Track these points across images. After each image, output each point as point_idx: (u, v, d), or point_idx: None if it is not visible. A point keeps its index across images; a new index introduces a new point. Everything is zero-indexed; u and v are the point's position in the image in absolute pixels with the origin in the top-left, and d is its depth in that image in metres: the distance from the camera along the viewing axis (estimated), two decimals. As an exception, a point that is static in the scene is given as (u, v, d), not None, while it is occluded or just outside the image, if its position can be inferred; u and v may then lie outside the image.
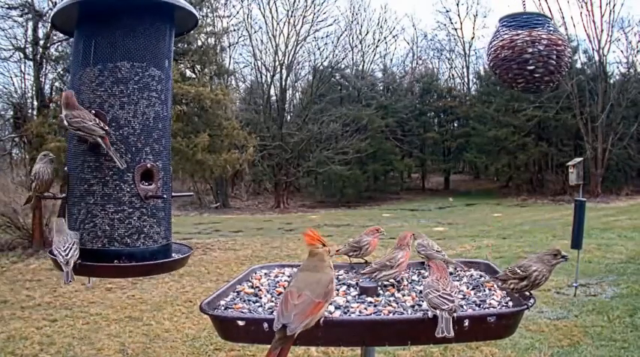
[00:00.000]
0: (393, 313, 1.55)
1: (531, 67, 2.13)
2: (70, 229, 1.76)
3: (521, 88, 2.24)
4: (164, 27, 1.86)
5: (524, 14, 2.21)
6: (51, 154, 1.91)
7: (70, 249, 1.65)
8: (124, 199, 1.75)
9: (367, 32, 27.49)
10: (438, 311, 1.36)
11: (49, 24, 9.43)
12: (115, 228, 1.74)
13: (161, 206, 1.85)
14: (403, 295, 1.73)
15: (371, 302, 1.65)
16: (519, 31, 2.14)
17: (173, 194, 2.00)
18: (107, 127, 1.69)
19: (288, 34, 23.32)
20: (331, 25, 30.48)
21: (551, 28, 2.17)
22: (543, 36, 2.12)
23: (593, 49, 22.07)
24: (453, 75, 31.55)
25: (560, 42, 2.15)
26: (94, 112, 1.73)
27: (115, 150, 1.71)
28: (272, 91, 24.35)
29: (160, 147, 1.84)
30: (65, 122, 1.69)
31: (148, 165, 1.79)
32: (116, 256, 1.74)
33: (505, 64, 2.18)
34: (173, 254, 1.92)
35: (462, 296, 1.69)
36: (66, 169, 1.84)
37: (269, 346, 1.26)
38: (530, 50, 2.11)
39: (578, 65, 22.54)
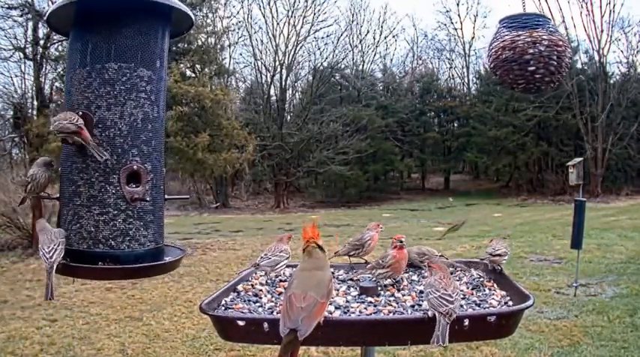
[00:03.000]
0: (393, 313, 1.55)
1: (532, 68, 2.12)
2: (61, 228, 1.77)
3: (522, 89, 2.24)
4: (157, 27, 1.85)
5: (525, 15, 2.20)
6: (53, 163, 1.93)
7: (55, 250, 1.65)
8: (109, 201, 1.74)
9: (367, 32, 27.55)
10: (436, 313, 1.36)
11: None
12: (100, 230, 1.74)
13: (149, 209, 1.83)
14: (403, 295, 1.73)
15: (371, 302, 1.65)
16: (520, 32, 2.14)
17: (167, 197, 1.99)
18: (81, 121, 1.69)
19: (288, 34, 23.35)
20: (331, 25, 30.60)
21: (551, 29, 2.17)
22: (544, 37, 2.11)
23: (593, 49, 22.11)
24: (453, 75, 31.61)
25: (560, 43, 2.14)
26: (81, 113, 1.73)
27: (97, 144, 1.71)
28: (272, 91, 24.37)
29: (149, 148, 1.82)
30: (52, 127, 1.72)
31: (135, 167, 1.77)
32: (101, 258, 1.74)
33: (506, 65, 2.17)
34: (166, 257, 1.91)
35: (462, 296, 1.69)
36: (59, 170, 1.85)
37: (269, 346, 1.26)
38: (531, 51, 2.10)
39: (579, 65, 22.53)
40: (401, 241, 1.81)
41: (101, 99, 1.75)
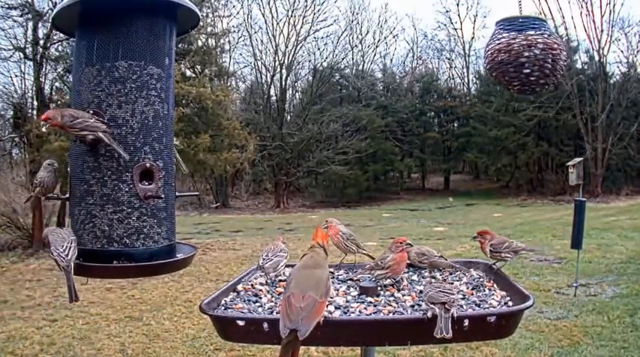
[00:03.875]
0: (393, 313, 1.55)
1: (527, 71, 2.14)
2: (72, 229, 1.77)
3: (517, 90, 2.26)
4: (164, 25, 1.86)
5: (521, 18, 2.22)
6: (55, 164, 1.94)
7: (69, 248, 1.64)
8: (122, 199, 1.74)
9: (367, 32, 27.58)
10: (436, 308, 1.36)
11: (50, 24, 9.43)
12: (114, 228, 1.74)
13: (162, 206, 1.83)
14: (403, 295, 1.73)
15: (371, 302, 1.65)
16: (516, 35, 2.15)
17: (177, 194, 1.99)
18: (106, 121, 1.71)
19: (288, 34, 23.35)
20: (331, 25, 30.56)
21: (547, 32, 2.18)
22: (539, 40, 2.13)
23: (593, 49, 22.11)
24: (452, 75, 31.62)
25: (555, 46, 2.15)
26: (92, 111, 1.73)
27: (107, 151, 1.72)
28: (272, 91, 24.37)
29: (160, 146, 1.82)
30: (67, 125, 1.69)
31: (147, 164, 1.78)
32: (115, 257, 1.74)
33: (502, 67, 2.19)
34: (178, 254, 1.91)
35: (461, 296, 1.69)
36: (68, 169, 1.85)
37: (269, 346, 1.26)
38: (526, 54, 2.12)
39: (578, 65, 22.56)
40: (408, 244, 1.82)
41: (112, 97, 1.75)
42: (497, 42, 2.20)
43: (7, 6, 10.69)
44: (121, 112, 1.75)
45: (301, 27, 23.44)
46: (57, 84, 12.21)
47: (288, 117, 25.39)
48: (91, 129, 1.67)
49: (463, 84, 30.81)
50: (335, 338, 1.45)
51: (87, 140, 1.70)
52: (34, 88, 11.93)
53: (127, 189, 1.75)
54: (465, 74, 30.18)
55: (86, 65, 1.78)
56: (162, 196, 1.81)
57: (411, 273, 2.01)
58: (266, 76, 24.25)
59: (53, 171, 1.90)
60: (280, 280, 1.92)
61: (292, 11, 23.23)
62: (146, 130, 1.79)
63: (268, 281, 1.92)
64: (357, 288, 1.79)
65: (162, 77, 1.83)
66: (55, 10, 1.82)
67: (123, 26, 1.76)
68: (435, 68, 31.21)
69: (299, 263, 1.44)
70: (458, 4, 29.29)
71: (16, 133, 12.76)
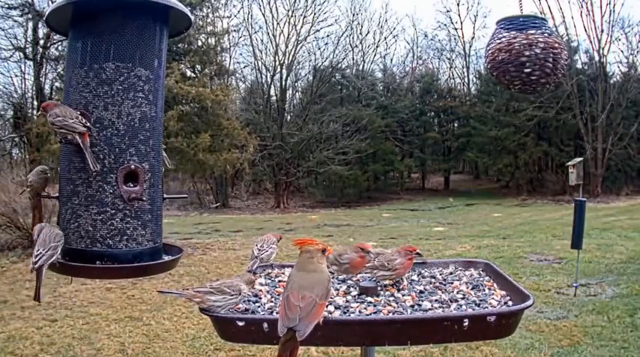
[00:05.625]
0: (393, 313, 1.56)
1: (528, 70, 2.13)
2: (60, 229, 1.78)
3: (517, 90, 2.25)
4: (154, 27, 1.86)
5: (522, 17, 2.21)
6: (48, 172, 1.98)
7: (41, 256, 1.65)
8: (106, 201, 1.75)
9: (368, 32, 27.56)
10: None
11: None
12: (98, 229, 1.75)
13: (147, 208, 1.83)
14: (403, 295, 1.73)
15: (371, 302, 1.66)
16: (516, 34, 2.15)
17: (165, 196, 2.00)
18: (89, 124, 1.71)
19: (289, 34, 23.34)
20: (332, 25, 30.58)
21: (547, 31, 2.18)
22: (540, 39, 2.12)
23: (593, 49, 22.12)
24: (453, 75, 31.60)
25: (556, 45, 2.15)
26: (79, 112, 1.74)
27: (93, 152, 1.72)
28: (272, 91, 24.34)
29: (146, 148, 1.83)
30: (50, 121, 1.72)
31: (132, 166, 1.78)
32: (99, 257, 1.75)
33: (502, 67, 2.18)
34: (164, 257, 1.92)
35: (461, 295, 1.69)
36: (58, 169, 1.86)
37: (269, 346, 1.26)
38: (527, 53, 2.12)
39: (579, 65, 22.55)
40: (417, 254, 1.83)
41: (99, 99, 1.76)
42: (498, 41, 2.20)
43: (7, 6, 10.70)
44: (107, 114, 1.76)
45: (302, 27, 23.45)
46: (57, 84, 12.24)
47: (288, 117, 25.37)
48: (68, 129, 1.68)
49: (463, 84, 30.83)
50: (335, 338, 1.45)
51: (68, 140, 1.71)
52: (34, 88, 11.97)
53: (111, 190, 1.76)
54: (465, 74, 30.20)
55: (76, 66, 1.80)
56: (146, 198, 1.81)
57: (411, 273, 2.02)
58: (266, 76, 24.26)
59: (44, 178, 1.95)
60: (280, 281, 1.92)
61: (292, 11, 23.24)
62: (132, 131, 1.79)
63: (268, 281, 1.92)
64: (357, 288, 1.79)
65: (151, 79, 1.83)
66: (48, 10, 1.82)
67: (112, 27, 1.76)
68: (435, 68, 31.20)
69: (297, 264, 1.44)
70: (458, 4, 29.29)
71: (16, 133, 12.79)
